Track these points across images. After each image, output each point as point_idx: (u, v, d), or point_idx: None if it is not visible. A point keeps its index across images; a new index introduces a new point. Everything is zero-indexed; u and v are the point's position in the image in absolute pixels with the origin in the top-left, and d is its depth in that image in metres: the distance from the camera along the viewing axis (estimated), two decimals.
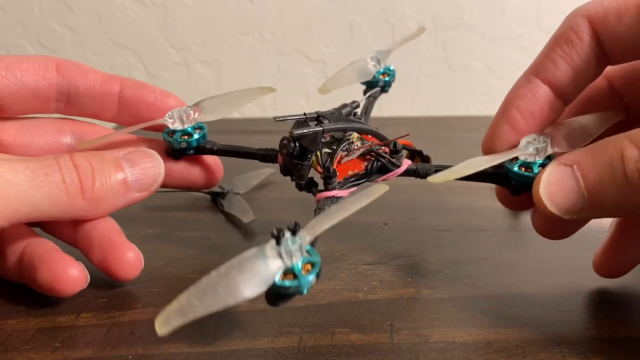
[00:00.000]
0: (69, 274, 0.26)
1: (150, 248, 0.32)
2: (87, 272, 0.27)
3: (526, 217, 0.34)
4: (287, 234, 0.21)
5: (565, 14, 0.26)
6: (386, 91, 0.34)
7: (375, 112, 0.35)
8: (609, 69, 0.27)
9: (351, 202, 0.23)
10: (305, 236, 0.21)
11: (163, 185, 0.29)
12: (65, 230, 0.29)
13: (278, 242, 0.21)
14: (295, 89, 0.67)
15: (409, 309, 0.27)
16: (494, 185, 0.28)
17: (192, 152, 0.31)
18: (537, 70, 0.26)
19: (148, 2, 0.65)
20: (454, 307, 0.27)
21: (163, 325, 0.20)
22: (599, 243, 0.29)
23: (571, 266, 0.30)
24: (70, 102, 0.31)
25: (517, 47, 0.65)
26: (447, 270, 0.30)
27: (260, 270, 0.20)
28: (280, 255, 0.21)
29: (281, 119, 0.26)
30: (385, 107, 0.62)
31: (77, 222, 0.28)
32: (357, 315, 0.26)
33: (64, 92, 0.30)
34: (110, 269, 0.27)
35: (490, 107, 0.66)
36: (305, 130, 0.26)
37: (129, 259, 0.27)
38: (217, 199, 0.39)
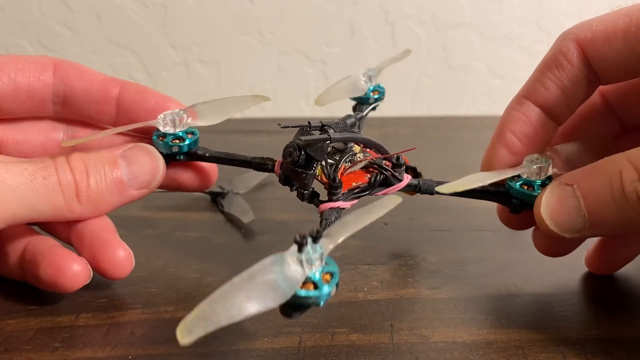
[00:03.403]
0: (72, 269, 0.26)
1: (150, 248, 0.32)
2: (89, 267, 0.27)
3: None
4: (309, 241, 0.20)
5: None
6: (374, 109, 0.34)
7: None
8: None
9: (367, 213, 0.22)
10: (328, 244, 0.20)
11: None
12: (59, 227, 0.29)
13: (300, 250, 0.20)
14: (295, 89, 0.67)
15: (409, 309, 0.27)
16: None
17: (182, 157, 0.29)
18: (528, 93, 0.27)
19: (148, 2, 0.65)
20: (454, 307, 0.27)
21: (185, 334, 0.18)
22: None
23: (571, 266, 0.30)
24: (66, 105, 0.30)
25: (517, 47, 0.65)
26: (447, 270, 0.30)
27: (282, 278, 0.19)
28: (301, 263, 0.20)
29: (286, 125, 0.26)
30: (385, 107, 0.62)
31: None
32: (357, 316, 0.26)
33: (59, 93, 0.29)
34: (99, 266, 0.27)
35: (490, 107, 0.66)
36: (314, 138, 0.25)
37: (119, 258, 0.27)
38: (217, 199, 0.39)
